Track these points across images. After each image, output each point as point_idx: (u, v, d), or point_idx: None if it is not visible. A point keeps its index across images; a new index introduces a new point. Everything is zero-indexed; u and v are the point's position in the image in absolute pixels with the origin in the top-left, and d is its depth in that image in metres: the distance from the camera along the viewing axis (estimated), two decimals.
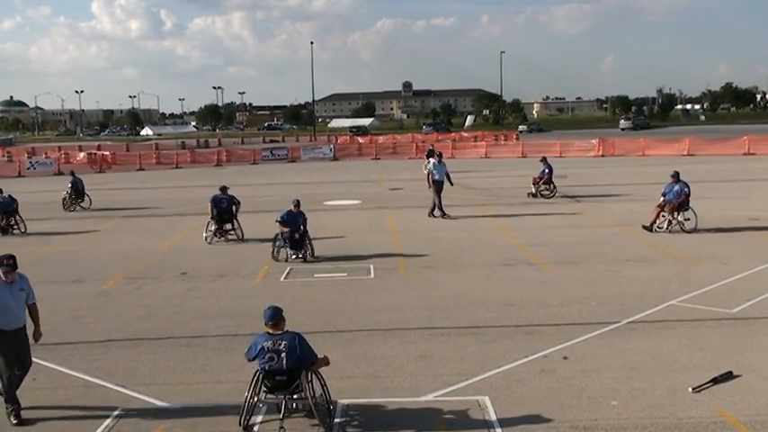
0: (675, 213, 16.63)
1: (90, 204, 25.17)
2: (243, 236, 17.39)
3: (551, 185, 24.01)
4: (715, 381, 7.74)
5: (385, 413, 7.32)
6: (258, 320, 10.60)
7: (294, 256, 14.61)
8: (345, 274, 13.47)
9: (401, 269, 13.81)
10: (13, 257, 7.56)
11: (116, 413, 7.44)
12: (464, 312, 10.78)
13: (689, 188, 16.68)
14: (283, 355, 6.74)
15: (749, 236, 16.20)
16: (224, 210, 17.33)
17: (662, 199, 16.86)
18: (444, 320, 10.42)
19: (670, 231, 16.62)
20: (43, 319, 10.93)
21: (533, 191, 24.06)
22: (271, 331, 6.91)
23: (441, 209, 20.05)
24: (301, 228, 14.66)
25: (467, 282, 12.72)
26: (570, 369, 8.33)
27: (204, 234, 17.36)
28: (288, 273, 13.77)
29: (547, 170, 23.94)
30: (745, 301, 10.79)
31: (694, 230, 16.50)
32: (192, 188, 30.16)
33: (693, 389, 7.57)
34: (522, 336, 9.62)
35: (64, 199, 25.02)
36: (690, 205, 16.70)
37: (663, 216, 16.79)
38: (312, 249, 14.82)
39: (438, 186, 20.25)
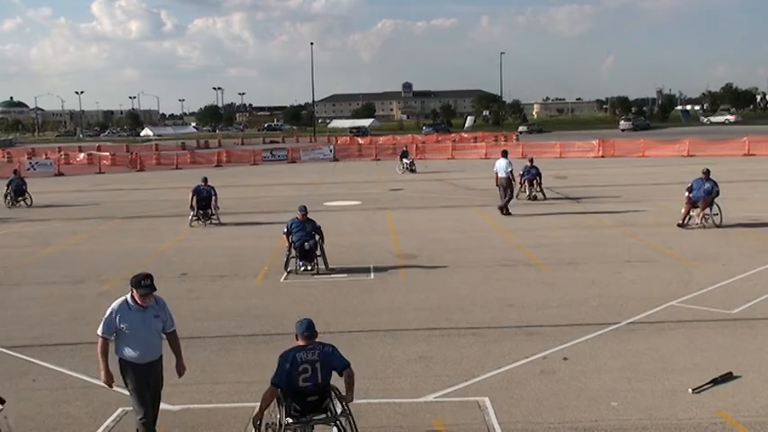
0: (709, 209, 17.25)
1: (31, 203, 26.52)
2: (220, 220, 20.31)
3: (539, 187, 23.86)
4: (715, 382, 7.73)
5: (385, 414, 7.31)
6: (258, 321, 10.66)
7: (303, 269, 13.56)
8: (345, 275, 13.46)
9: (401, 270, 13.80)
10: (151, 276, 6.35)
11: (116, 414, 7.43)
12: (464, 313, 10.78)
13: (718, 187, 17.38)
14: (317, 365, 6.08)
15: (749, 237, 16.20)
16: (204, 197, 20.21)
17: (687, 194, 17.46)
18: (444, 321, 10.41)
19: (704, 227, 17.12)
20: (43, 320, 11.04)
21: (528, 192, 23.86)
22: (302, 343, 6.24)
23: (506, 206, 20.50)
24: (316, 236, 13.64)
25: (467, 283, 12.72)
26: (570, 370, 8.33)
27: (188, 218, 20.11)
28: (288, 274, 13.74)
29: (533, 171, 23.84)
30: (745, 302, 10.79)
31: (721, 225, 17.14)
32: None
33: (693, 390, 7.56)
34: (522, 337, 9.61)
35: (5, 197, 26.42)
36: (715, 201, 17.45)
37: (693, 213, 17.40)
38: (326, 262, 13.74)
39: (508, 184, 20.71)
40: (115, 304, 6.37)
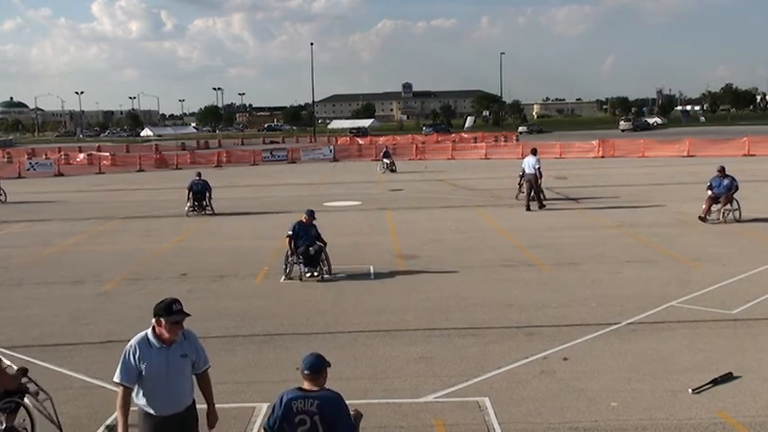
0: (729, 205, 17.93)
1: (6, 199, 27.83)
2: (214, 211, 22.21)
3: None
4: (715, 382, 7.73)
5: (385, 414, 7.31)
6: (258, 321, 10.66)
7: (309, 275, 13.07)
8: (345, 276, 13.46)
9: (401, 270, 13.80)
10: (180, 301, 5.17)
11: (116, 414, 7.41)
12: (464, 313, 10.78)
13: (737, 181, 18.18)
14: (316, 418, 4.95)
15: (749, 237, 16.20)
16: (199, 190, 22.24)
17: (709, 192, 18.15)
18: (444, 321, 10.41)
19: (725, 222, 17.80)
20: (43, 320, 11.04)
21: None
22: (305, 386, 5.04)
23: (538, 200, 21.23)
24: (317, 243, 13.25)
25: (467, 283, 12.71)
26: (570, 370, 8.33)
27: (185, 209, 22.10)
28: (286, 278, 13.69)
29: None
30: (745, 303, 10.79)
31: (740, 219, 17.83)
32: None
33: (693, 390, 7.56)
34: (522, 337, 9.61)
35: None
36: (734, 196, 18.13)
37: (713, 208, 18.05)
38: (329, 266, 13.35)
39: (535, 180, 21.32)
40: (132, 342, 5.17)
